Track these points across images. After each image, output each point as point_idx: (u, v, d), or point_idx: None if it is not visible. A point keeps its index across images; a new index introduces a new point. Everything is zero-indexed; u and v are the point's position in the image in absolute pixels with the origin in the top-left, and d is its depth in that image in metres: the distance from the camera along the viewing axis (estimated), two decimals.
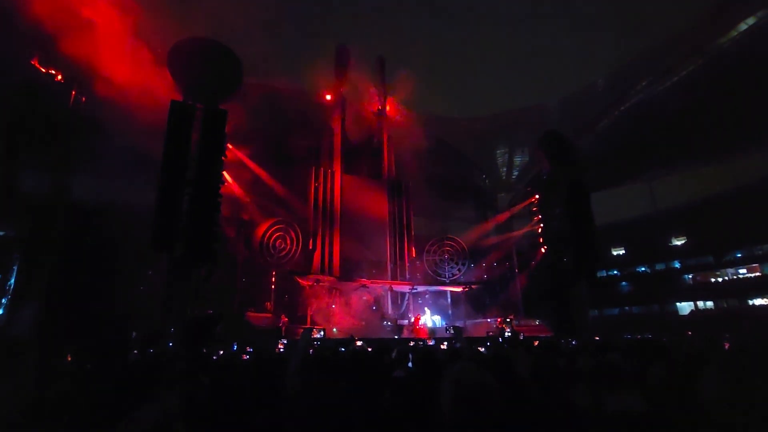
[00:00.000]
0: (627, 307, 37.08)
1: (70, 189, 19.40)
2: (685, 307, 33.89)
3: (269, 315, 20.99)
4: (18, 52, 18.12)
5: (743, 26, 23.33)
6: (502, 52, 50.64)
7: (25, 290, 16.99)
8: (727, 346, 6.12)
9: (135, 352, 9.28)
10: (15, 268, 17.54)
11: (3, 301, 16.95)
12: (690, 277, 35.06)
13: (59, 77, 19.05)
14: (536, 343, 9.74)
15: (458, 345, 6.83)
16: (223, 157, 16.52)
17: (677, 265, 35.74)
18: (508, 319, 20.53)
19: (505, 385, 1.68)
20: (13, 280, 17.34)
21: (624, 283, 38.15)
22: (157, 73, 18.45)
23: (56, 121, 18.71)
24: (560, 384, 2.41)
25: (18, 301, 16.80)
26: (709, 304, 33.00)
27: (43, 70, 18.79)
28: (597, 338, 16.14)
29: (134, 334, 16.41)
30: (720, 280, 33.20)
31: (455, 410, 1.56)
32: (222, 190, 16.34)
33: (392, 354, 5.26)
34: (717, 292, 32.61)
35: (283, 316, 19.63)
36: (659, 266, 36.71)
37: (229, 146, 19.55)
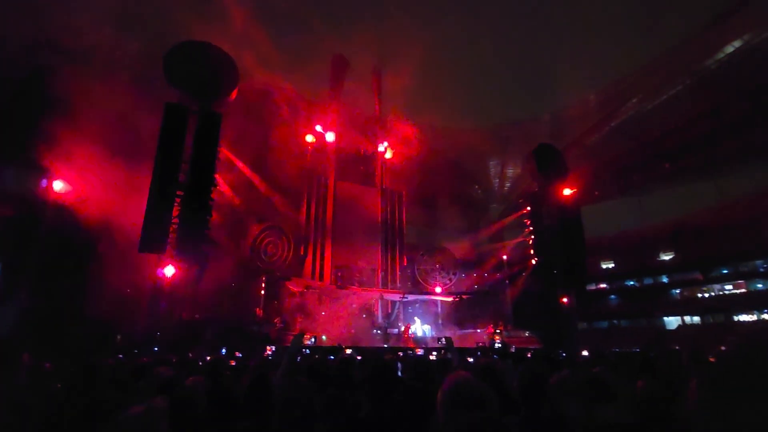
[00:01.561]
0: (615, 321, 37.33)
1: (56, 188, 19.12)
2: (672, 321, 34.23)
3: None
4: (8, 48, 17.96)
5: (730, 48, 24.01)
6: (496, 65, 51.37)
7: (8, 291, 16.63)
8: (712, 360, 6.18)
9: (120, 356, 9.12)
10: None
11: None
12: (677, 292, 35.46)
13: (48, 74, 18.88)
14: (528, 354, 9.80)
15: (449, 355, 6.82)
16: (216, 160, 16.47)
17: (665, 279, 36.17)
18: (498, 330, 20.54)
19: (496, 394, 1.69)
20: None
21: (613, 296, 38.46)
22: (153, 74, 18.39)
23: (43, 118, 18.49)
24: (548, 396, 2.43)
25: (1, 302, 16.42)
26: (696, 319, 33.38)
27: (31, 68, 18.62)
28: (585, 351, 16.23)
29: (119, 337, 16.15)
30: (707, 295, 33.64)
31: (451, 419, 1.56)
32: (213, 194, 16.26)
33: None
34: (704, 308, 33.01)
35: (278, 321, 19.34)
36: (647, 280, 37.11)
37: (222, 149, 19.48)
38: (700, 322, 32.93)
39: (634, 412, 2.74)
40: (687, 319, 33.72)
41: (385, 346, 19.25)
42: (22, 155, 19.16)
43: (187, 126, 15.85)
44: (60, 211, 18.52)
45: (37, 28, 16.82)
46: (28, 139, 18.59)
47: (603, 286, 39.03)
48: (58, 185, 17.91)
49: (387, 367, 3.53)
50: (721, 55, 24.36)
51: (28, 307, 16.15)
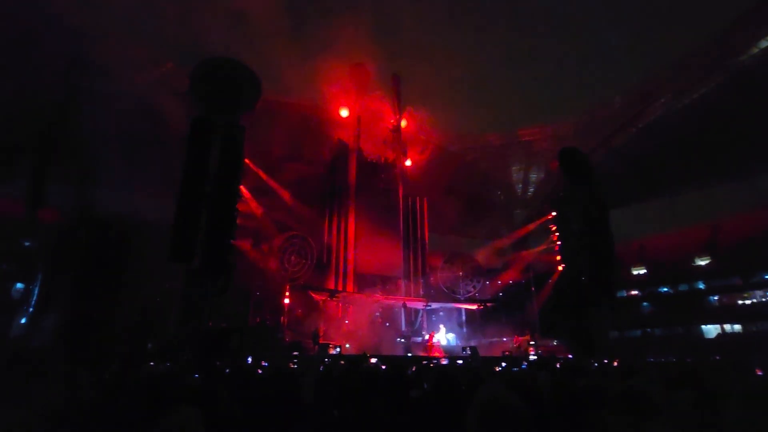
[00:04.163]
0: (649, 329, 35.79)
1: (93, 202, 20.05)
2: (711, 329, 32.56)
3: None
4: (48, 70, 19.02)
5: (765, 43, 22.93)
6: (518, 68, 50.88)
7: (48, 300, 17.43)
8: (759, 372, 5.82)
9: (152, 363, 9.35)
10: (39, 278, 18.05)
11: (28, 310, 17.40)
12: (716, 298, 33.74)
13: (87, 94, 19.89)
14: (558, 365, 9.51)
15: (475, 365, 6.69)
16: (241, 172, 16.87)
17: (702, 286, 34.49)
18: (532, 342, 20.01)
19: (529, 408, 1.63)
20: (36, 291, 17.82)
21: (646, 303, 36.93)
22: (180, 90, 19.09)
23: (82, 135, 19.43)
24: (584, 409, 2.33)
25: (40, 311, 17.22)
26: (737, 327, 31.64)
27: (72, 87, 19.65)
28: (617, 361, 15.61)
29: (150, 345, 16.62)
30: (748, 302, 31.86)
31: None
32: (238, 204, 16.64)
33: (407, 373, 5.17)
34: (745, 315, 31.26)
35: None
36: (682, 287, 35.47)
37: (246, 160, 19.95)
38: (741, 331, 31.18)
39: (672, 426, 2.59)
40: (727, 327, 31.98)
41: (409, 355, 19.06)
42: (62, 171, 20.22)
43: (213, 139, 16.31)
44: (96, 223, 19.38)
45: (72, 49, 17.75)
46: (66, 157, 19.61)
47: (634, 293, 37.55)
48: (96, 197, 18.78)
49: (394, 377, 3.48)
50: (756, 50, 23.29)
51: (65, 315, 16.86)
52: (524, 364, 14.12)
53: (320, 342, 17.62)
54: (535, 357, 18.17)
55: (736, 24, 23.97)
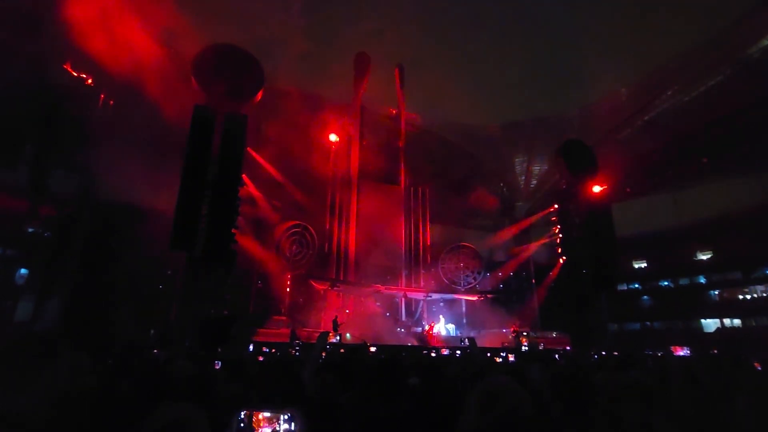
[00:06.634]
0: (648, 322, 35.93)
1: (95, 189, 20.04)
2: (710, 324, 32.65)
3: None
4: (50, 55, 18.85)
5: None
6: (522, 58, 50.22)
7: (50, 287, 17.55)
8: (758, 367, 5.83)
9: (155, 351, 9.44)
10: (42, 264, 18.15)
11: (32, 296, 17.54)
12: (716, 293, 33.78)
13: (89, 81, 19.77)
14: (557, 356, 9.58)
15: (473, 357, 6.73)
16: (243, 160, 16.82)
17: (702, 280, 34.51)
18: (524, 333, 20.11)
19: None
20: (39, 277, 17.94)
21: (646, 297, 37.00)
22: (182, 77, 18.92)
23: (84, 123, 19.35)
24: (581, 400, 2.35)
25: (43, 298, 17.35)
26: (737, 321, 31.72)
27: (74, 74, 19.51)
28: (616, 353, 15.70)
29: (152, 332, 16.79)
30: (749, 297, 31.89)
31: (482, 421, 1.53)
32: (240, 193, 16.62)
33: (406, 362, 5.21)
34: (745, 310, 31.32)
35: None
36: (683, 281, 35.50)
37: (248, 149, 19.86)
38: (741, 325, 31.26)
39: (671, 418, 2.61)
40: (727, 321, 32.07)
41: (408, 345, 19.21)
42: (64, 159, 20.20)
43: (215, 127, 16.24)
44: (98, 212, 19.43)
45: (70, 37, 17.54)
46: (68, 145, 19.57)
47: (635, 286, 37.62)
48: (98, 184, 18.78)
49: (394, 366, 3.51)
50: (765, 43, 22.94)
51: (67, 302, 17.01)
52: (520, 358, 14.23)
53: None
54: (527, 348, 18.30)
55: (744, 16, 23.58)
